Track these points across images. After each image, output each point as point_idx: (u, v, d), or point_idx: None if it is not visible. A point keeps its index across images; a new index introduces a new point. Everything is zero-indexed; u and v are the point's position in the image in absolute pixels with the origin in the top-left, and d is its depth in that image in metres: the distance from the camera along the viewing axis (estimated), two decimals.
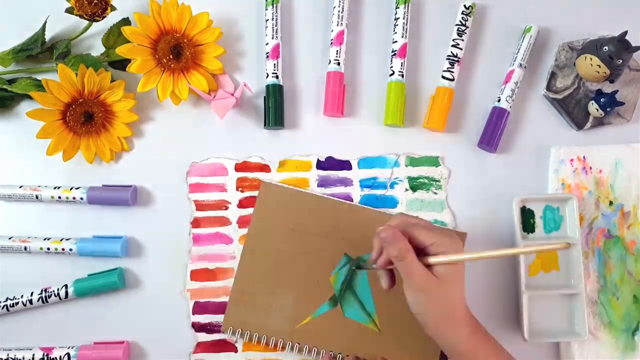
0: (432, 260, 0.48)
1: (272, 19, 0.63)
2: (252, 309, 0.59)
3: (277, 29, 0.63)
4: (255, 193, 0.62)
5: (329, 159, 0.63)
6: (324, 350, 0.58)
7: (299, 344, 0.58)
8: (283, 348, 0.59)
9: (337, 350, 0.58)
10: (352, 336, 0.59)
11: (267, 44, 0.63)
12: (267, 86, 0.62)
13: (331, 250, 0.60)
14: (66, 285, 0.59)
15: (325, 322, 0.59)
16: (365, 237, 0.56)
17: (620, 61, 0.58)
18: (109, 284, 0.59)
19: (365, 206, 0.61)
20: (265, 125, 0.62)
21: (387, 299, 0.58)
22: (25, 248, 0.60)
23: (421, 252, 0.49)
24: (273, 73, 0.62)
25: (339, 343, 0.59)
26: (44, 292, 0.59)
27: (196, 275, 0.61)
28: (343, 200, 0.61)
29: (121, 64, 0.61)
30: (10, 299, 0.59)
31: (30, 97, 0.60)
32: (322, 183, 0.62)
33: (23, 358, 0.58)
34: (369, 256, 0.54)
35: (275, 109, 0.62)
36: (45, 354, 0.58)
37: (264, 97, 0.62)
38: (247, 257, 0.60)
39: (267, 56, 0.62)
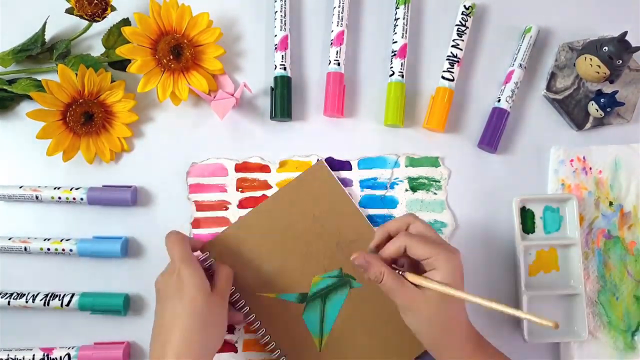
0: (416, 280, 0.48)
1: (281, 10, 0.63)
2: (234, 251, 0.59)
3: (285, 20, 0.63)
4: (255, 193, 0.62)
5: (329, 159, 0.63)
6: (265, 329, 0.58)
7: (248, 308, 0.58)
8: (234, 303, 0.59)
9: (273, 337, 0.58)
10: (295, 337, 0.59)
11: (276, 35, 0.63)
12: (276, 77, 0.62)
13: (333, 259, 0.60)
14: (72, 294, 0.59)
15: (283, 309, 0.59)
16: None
17: (620, 61, 0.58)
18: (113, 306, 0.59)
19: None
20: (272, 117, 0.62)
21: (347, 325, 0.59)
22: (25, 248, 0.60)
23: (416, 266, 0.49)
24: (281, 64, 0.62)
25: (281, 333, 0.59)
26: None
27: None
28: (372, 227, 0.60)
29: (121, 65, 0.61)
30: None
31: (30, 98, 0.60)
32: None
33: (23, 358, 0.58)
34: (359, 285, 0.58)
35: (282, 100, 0.62)
36: (45, 354, 0.58)
37: (271, 87, 0.62)
38: (264, 209, 0.60)
39: (276, 48, 0.62)
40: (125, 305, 0.59)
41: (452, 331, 0.48)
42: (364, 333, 0.59)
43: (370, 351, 0.58)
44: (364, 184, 0.62)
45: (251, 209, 0.61)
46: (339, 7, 0.63)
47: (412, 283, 0.48)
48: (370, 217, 0.61)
